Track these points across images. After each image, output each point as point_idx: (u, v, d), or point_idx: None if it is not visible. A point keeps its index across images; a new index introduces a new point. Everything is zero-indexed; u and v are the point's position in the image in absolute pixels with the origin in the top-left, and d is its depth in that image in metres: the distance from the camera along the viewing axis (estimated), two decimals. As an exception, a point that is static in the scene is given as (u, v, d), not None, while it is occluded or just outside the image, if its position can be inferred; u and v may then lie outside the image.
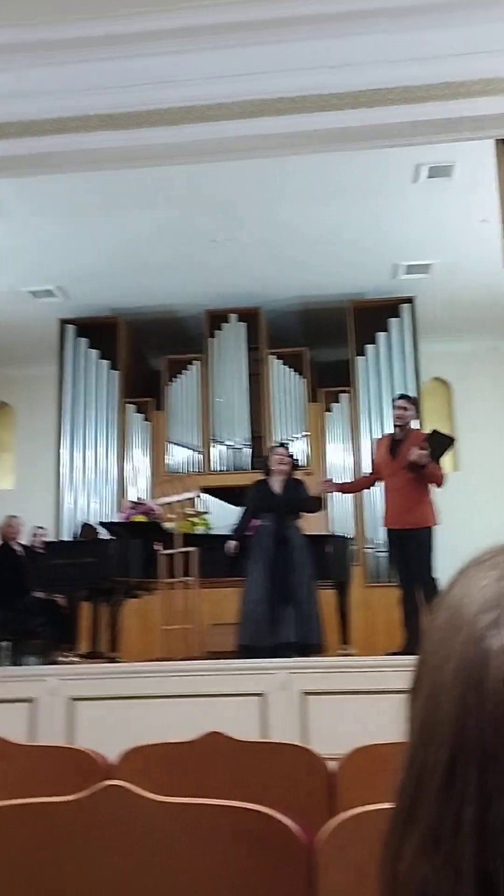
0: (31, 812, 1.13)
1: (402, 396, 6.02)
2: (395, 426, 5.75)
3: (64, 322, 9.21)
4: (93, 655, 6.21)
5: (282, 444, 6.14)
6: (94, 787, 1.14)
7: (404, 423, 5.67)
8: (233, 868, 1.05)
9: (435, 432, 5.69)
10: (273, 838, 1.03)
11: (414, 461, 5.35)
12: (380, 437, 5.90)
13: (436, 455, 5.49)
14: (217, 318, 9.17)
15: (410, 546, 5.53)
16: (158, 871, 1.07)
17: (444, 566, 8.58)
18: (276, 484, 5.67)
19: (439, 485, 5.56)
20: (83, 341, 9.25)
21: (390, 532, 5.69)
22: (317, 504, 5.79)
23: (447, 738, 0.50)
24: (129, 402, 9.25)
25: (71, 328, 9.25)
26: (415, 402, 5.91)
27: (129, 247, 7.75)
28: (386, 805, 1.12)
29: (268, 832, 1.03)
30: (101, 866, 1.09)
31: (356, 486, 6.72)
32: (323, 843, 1.04)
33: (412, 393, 8.76)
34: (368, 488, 6.62)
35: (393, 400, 6.13)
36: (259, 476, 5.94)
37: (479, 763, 0.48)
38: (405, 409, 5.69)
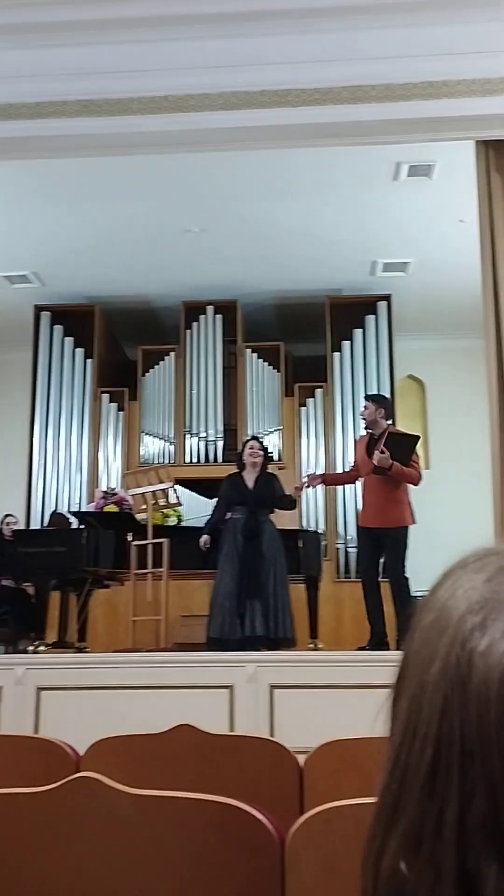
0: (1, 802, 1.13)
1: (369, 397, 6.07)
2: (365, 428, 5.80)
3: (39, 309, 9.13)
4: (60, 645, 6.19)
5: (255, 438, 6.13)
6: (65, 778, 1.14)
7: (371, 422, 5.70)
8: (204, 861, 1.05)
9: (392, 434, 5.71)
10: (245, 832, 1.04)
11: (377, 464, 5.39)
12: (362, 434, 5.92)
13: (399, 456, 5.49)
14: (194, 310, 9.15)
15: (384, 545, 5.57)
16: (129, 863, 1.07)
17: (413, 562, 8.67)
18: (249, 478, 5.68)
19: (415, 483, 5.59)
20: (58, 328, 9.18)
21: (365, 530, 5.72)
22: (290, 502, 5.80)
23: (430, 738, 0.50)
24: (104, 392, 9.20)
25: (46, 315, 9.18)
26: (383, 401, 5.95)
27: (106, 234, 7.70)
28: (354, 801, 1.13)
29: (240, 826, 1.04)
30: (72, 858, 1.09)
31: (339, 479, 6.74)
32: (293, 837, 1.05)
33: (386, 390, 8.83)
34: (350, 483, 6.66)
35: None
36: (232, 469, 5.95)
37: (461, 763, 0.49)
38: (366, 408, 5.74)
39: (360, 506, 8.59)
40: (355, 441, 6.39)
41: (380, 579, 5.67)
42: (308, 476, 6.24)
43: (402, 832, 0.51)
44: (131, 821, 1.08)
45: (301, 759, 1.94)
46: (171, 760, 1.85)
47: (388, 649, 5.20)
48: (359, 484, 6.32)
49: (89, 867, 1.08)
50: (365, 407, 5.80)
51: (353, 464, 6.01)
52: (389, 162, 6.61)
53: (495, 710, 0.48)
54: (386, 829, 0.52)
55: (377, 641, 5.40)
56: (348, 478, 6.29)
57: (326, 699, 4.34)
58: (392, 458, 5.44)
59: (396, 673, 0.56)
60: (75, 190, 6.97)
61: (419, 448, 5.89)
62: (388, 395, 8.85)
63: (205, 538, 5.68)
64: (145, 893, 1.06)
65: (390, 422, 5.97)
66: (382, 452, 5.45)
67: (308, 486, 6.13)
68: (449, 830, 0.49)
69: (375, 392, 8.06)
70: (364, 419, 5.79)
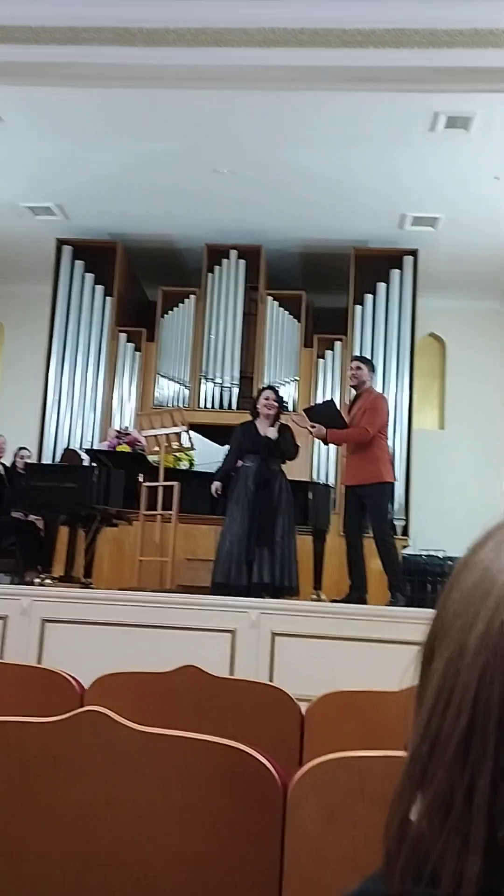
0: (8, 731, 1.14)
1: (356, 358, 6.21)
2: (351, 386, 5.81)
3: (61, 242, 9.03)
4: (66, 580, 6.26)
5: (271, 387, 6.09)
6: (69, 710, 1.15)
7: (358, 383, 5.79)
8: (207, 802, 1.06)
9: (309, 408, 6.01)
10: (250, 777, 1.04)
11: (316, 438, 5.61)
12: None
13: (332, 422, 5.69)
14: (217, 254, 9.03)
15: (366, 502, 5.61)
16: (133, 799, 1.08)
17: (425, 522, 8.67)
18: (263, 427, 5.66)
19: (364, 439, 5.62)
20: (79, 264, 9.09)
21: (349, 489, 5.82)
22: (296, 451, 5.80)
23: (467, 705, 0.49)
24: (122, 331, 9.14)
25: (68, 249, 9.08)
26: (369, 363, 6.08)
27: (132, 171, 7.56)
28: (359, 753, 1.13)
29: (245, 770, 1.04)
30: (76, 790, 1.10)
31: (337, 438, 6.67)
32: (297, 784, 1.05)
33: (406, 347, 8.75)
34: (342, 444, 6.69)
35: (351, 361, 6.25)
36: (246, 417, 5.93)
37: (498, 733, 0.48)
38: (359, 368, 5.82)
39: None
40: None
41: (364, 535, 5.76)
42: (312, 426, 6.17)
43: (431, 797, 0.50)
44: (138, 758, 1.08)
45: (302, 707, 1.96)
46: (176, 700, 1.87)
47: (364, 604, 5.36)
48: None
49: (93, 801, 1.09)
50: (359, 367, 5.85)
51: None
52: (427, 112, 6.42)
53: None
54: (414, 792, 0.51)
55: (356, 596, 5.50)
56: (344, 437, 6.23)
57: (326, 649, 4.38)
58: (326, 426, 5.63)
59: (429, 632, 0.55)
60: (104, 122, 6.83)
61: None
62: (409, 352, 8.79)
63: (216, 484, 5.68)
64: (147, 830, 1.07)
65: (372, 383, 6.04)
66: (312, 428, 5.64)
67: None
68: (480, 800, 0.48)
69: (372, 351, 8.14)
70: (355, 378, 5.84)
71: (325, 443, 5.64)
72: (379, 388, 8.70)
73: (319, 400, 8.83)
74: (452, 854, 0.48)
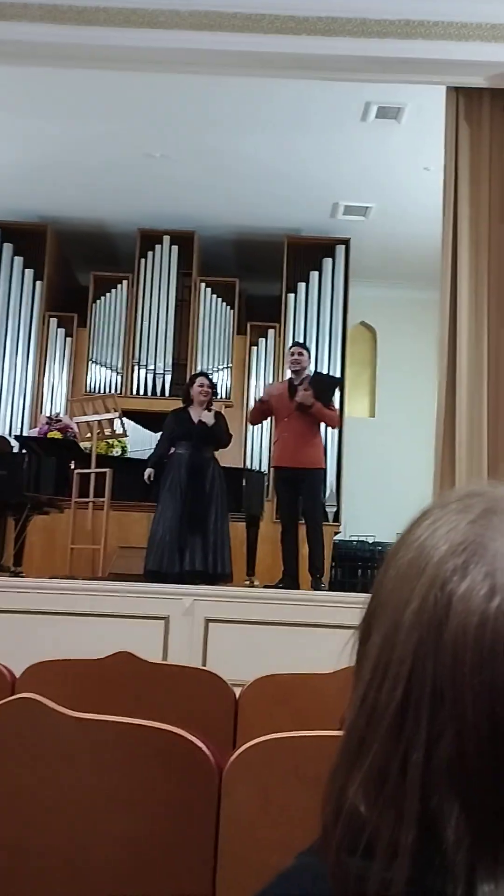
0: None
1: (297, 344, 6.24)
2: (292, 371, 5.89)
3: (-11, 224, 8.81)
4: (-4, 569, 6.15)
5: (203, 374, 6.08)
6: (4, 699, 1.14)
7: (300, 368, 5.83)
8: (142, 786, 1.06)
9: (317, 374, 5.95)
10: (186, 760, 1.05)
11: (300, 402, 5.50)
12: (279, 381, 6.11)
13: (322, 396, 5.67)
14: (150, 239, 8.94)
15: (302, 487, 5.69)
16: (68, 785, 1.08)
17: (357, 507, 8.81)
18: (196, 414, 5.65)
19: (334, 425, 5.71)
20: (8, 247, 8.89)
21: (281, 471, 5.82)
22: (229, 439, 5.80)
23: (402, 678, 0.50)
24: (52, 316, 8.99)
25: (-4, 231, 8.87)
26: (308, 350, 6.14)
27: (64, 152, 7.42)
28: (292, 734, 1.15)
29: (181, 753, 1.05)
30: (10, 777, 1.09)
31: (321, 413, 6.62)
32: (231, 766, 1.06)
33: (338, 336, 8.84)
34: (257, 423, 6.75)
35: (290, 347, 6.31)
36: (178, 404, 5.91)
37: (431, 705, 0.49)
38: (301, 354, 5.86)
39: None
40: (272, 384, 6.52)
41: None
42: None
43: (366, 770, 0.51)
44: (71, 743, 1.08)
45: (235, 691, 1.98)
46: (109, 686, 1.87)
47: (297, 589, 5.43)
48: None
49: (27, 786, 1.08)
50: (300, 353, 5.89)
51: (260, 401, 6.02)
52: (359, 101, 6.48)
53: (471, 655, 0.48)
54: (350, 766, 0.52)
55: (289, 581, 5.56)
56: (258, 416, 6.23)
57: (259, 634, 4.42)
58: (314, 397, 5.60)
59: (367, 610, 0.56)
60: (34, 102, 6.68)
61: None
62: (340, 340, 8.88)
63: (149, 471, 5.65)
64: (82, 814, 1.07)
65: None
66: (306, 390, 5.59)
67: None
68: (414, 771, 0.49)
69: (305, 339, 8.29)
70: (297, 363, 5.85)
71: (307, 409, 5.58)
72: (311, 376, 8.78)
73: (253, 388, 8.86)
74: (387, 825, 0.49)
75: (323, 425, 5.90)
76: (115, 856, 1.05)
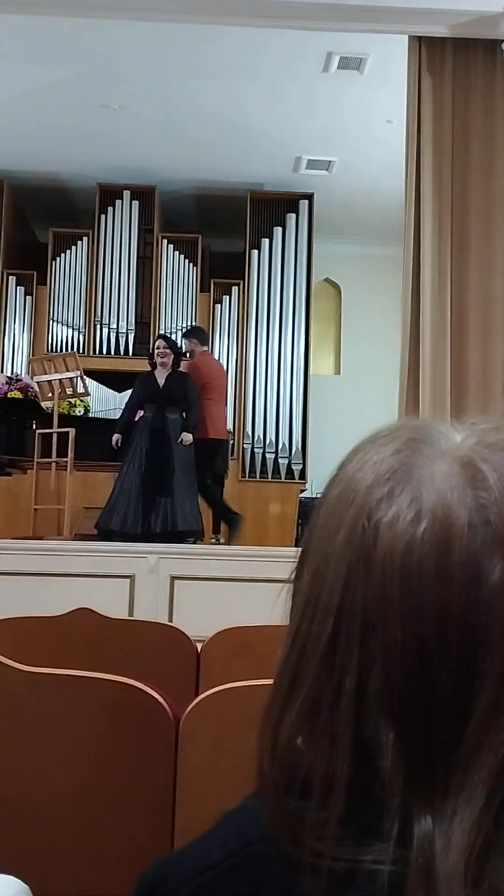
0: None
1: (161, 337, 6.37)
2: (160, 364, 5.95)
3: None
4: (-41, 531, 6.09)
5: (161, 336, 6.07)
6: (-43, 656, 1.12)
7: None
8: (100, 738, 1.06)
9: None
10: (141, 711, 1.05)
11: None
12: None
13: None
14: (109, 194, 8.77)
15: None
16: (24, 740, 1.07)
17: (328, 466, 8.84)
18: (161, 376, 5.66)
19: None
20: (-37, 202, 8.66)
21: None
22: (194, 399, 5.81)
23: (332, 609, 0.50)
24: (11, 274, 8.80)
25: None
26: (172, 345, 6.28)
27: (18, 103, 7.19)
28: (246, 683, 1.15)
29: (136, 705, 1.05)
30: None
31: None
32: (188, 716, 1.06)
33: (302, 292, 8.80)
34: None
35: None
36: (141, 363, 5.89)
37: (362, 633, 0.49)
38: (166, 348, 5.97)
39: (268, 410, 8.71)
40: None
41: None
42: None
43: (299, 703, 0.51)
44: (26, 698, 1.07)
45: (199, 646, 1.98)
46: (69, 642, 1.86)
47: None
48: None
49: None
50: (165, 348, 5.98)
51: None
52: (320, 51, 6.35)
53: (399, 580, 0.48)
54: (284, 702, 0.52)
55: (234, 524, 6.06)
56: None
57: (225, 591, 4.44)
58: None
59: (303, 547, 0.56)
60: (-14, 50, 6.45)
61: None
62: (304, 297, 8.83)
63: (116, 437, 5.66)
64: (38, 767, 1.06)
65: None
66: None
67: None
68: (346, 700, 0.49)
69: (269, 296, 8.36)
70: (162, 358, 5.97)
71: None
72: (275, 334, 8.76)
73: (217, 345, 8.81)
74: (322, 757, 0.49)
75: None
76: (72, 805, 1.05)
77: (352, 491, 0.52)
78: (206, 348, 6.56)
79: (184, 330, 7.24)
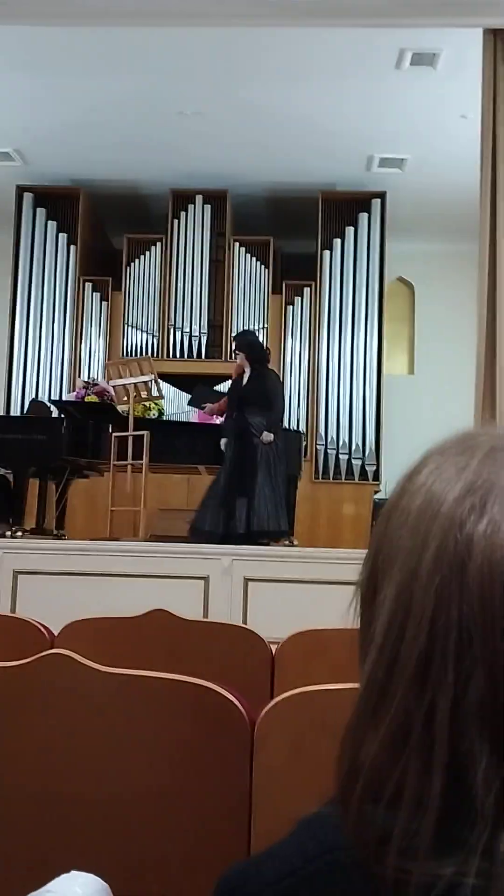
0: (-27, 676, 1.13)
1: (233, 338, 6.68)
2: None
3: (21, 189, 8.80)
4: (38, 532, 6.24)
5: (233, 337, 6.19)
6: (37, 654, 1.14)
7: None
8: (175, 740, 1.07)
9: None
10: (217, 713, 1.05)
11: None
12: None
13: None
14: (182, 199, 8.86)
15: None
16: (100, 739, 1.09)
17: (402, 467, 8.76)
18: (245, 377, 5.77)
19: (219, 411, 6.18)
20: (41, 211, 8.88)
21: None
22: (269, 399, 5.84)
23: (424, 626, 0.49)
24: (87, 280, 8.98)
25: (29, 196, 8.85)
26: (237, 339, 6.42)
27: (95, 112, 7.34)
28: (324, 687, 1.14)
29: (212, 707, 1.05)
30: (42, 732, 1.10)
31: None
32: (263, 719, 1.06)
33: (375, 292, 8.72)
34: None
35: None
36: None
37: (458, 649, 0.48)
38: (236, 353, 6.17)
39: (341, 411, 8.67)
40: None
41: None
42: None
43: (389, 720, 0.50)
44: (103, 698, 1.09)
45: (273, 648, 1.98)
46: (145, 643, 1.88)
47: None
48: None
49: (59, 739, 1.10)
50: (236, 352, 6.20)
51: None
52: (393, 48, 6.29)
53: (501, 591, 0.47)
54: (370, 719, 0.51)
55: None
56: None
57: (299, 593, 4.43)
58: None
59: (369, 567, 0.55)
60: (64, 62, 6.60)
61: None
62: (377, 297, 8.75)
63: (223, 440, 5.80)
64: (114, 767, 1.08)
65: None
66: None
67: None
68: (442, 716, 0.48)
69: (341, 296, 8.47)
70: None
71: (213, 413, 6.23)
72: (347, 335, 8.71)
73: (290, 348, 8.81)
74: (413, 775, 0.49)
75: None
76: (147, 807, 1.06)
77: (435, 503, 0.51)
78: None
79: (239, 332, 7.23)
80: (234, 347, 6.44)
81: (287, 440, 6.31)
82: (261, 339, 8.73)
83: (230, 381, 6.01)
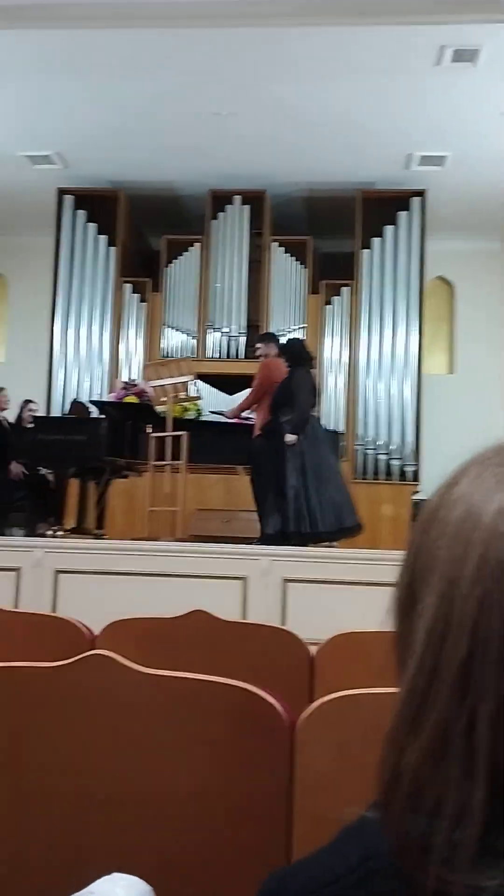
0: (16, 676, 1.14)
1: (255, 339, 6.60)
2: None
3: (62, 192, 8.90)
4: (78, 531, 6.30)
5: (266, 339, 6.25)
6: (78, 655, 1.15)
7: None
8: (214, 742, 1.06)
9: None
10: (257, 716, 1.05)
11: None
12: None
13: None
14: (220, 200, 8.88)
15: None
16: (140, 740, 1.09)
17: (442, 467, 8.69)
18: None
19: (247, 406, 6.09)
20: (81, 213, 8.97)
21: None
22: (295, 398, 5.86)
23: (465, 634, 0.49)
24: (126, 281, 9.05)
25: (69, 199, 8.95)
26: (267, 337, 6.35)
27: (133, 114, 7.39)
28: (366, 690, 1.13)
29: (252, 709, 1.05)
30: (83, 732, 1.11)
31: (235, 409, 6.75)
32: (304, 722, 1.06)
33: (414, 291, 8.65)
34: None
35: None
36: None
37: (499, 657, 0.48)
38: (257, 348, 6.17)
39: (380, 410, 8.61)
40: None
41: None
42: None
43: (428, 729, 0.50)
44: (143, 699, 1.09)
45: (312, 650, 1.97)
46: (184, 644, 1.89)
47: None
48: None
49: (99, 743, 1.10)
50: (257, 348, 6.18)
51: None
52: (432, 45, 6.23)
53: None
54: (410, 727, 0.51)
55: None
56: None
57: (338, 594, 4.41)
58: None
59: (406, 575, 0.55)
60: (102, 65, 6.66)
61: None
62: (417, 296, 8.67)
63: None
64: (154, 768, 1.08)
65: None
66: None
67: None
68: (483, 725, 0.48)
69: (382, 296, 8.44)
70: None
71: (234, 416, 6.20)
72: (386, 334, 8.65)
73: (328, 346, 8.78)
74: (454, 784, 0.48)
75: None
76: (187, 809, 1.06)
77: (475, 513, 0.51)
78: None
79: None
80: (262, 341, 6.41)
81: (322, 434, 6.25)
82: (299, 337, 8.74)
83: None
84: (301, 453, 5.60)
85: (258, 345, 6.21)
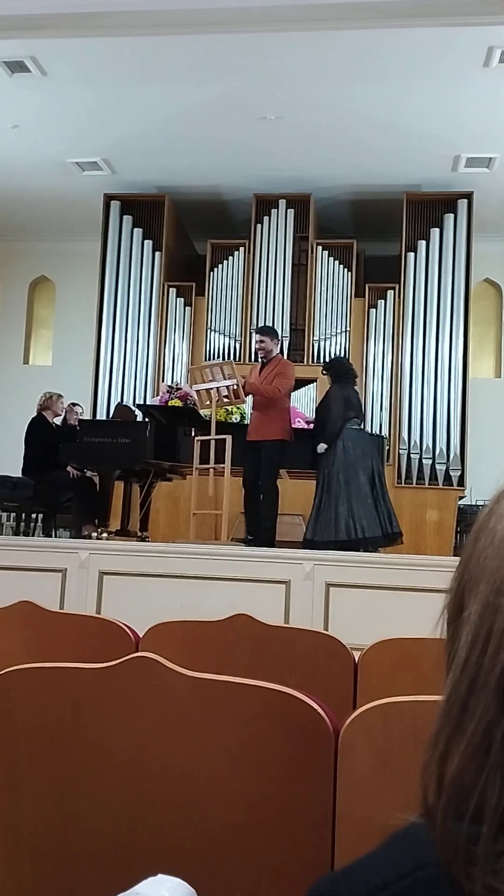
0: (63, 677, 1.16)
1: (257, 331, 6.38)
2: (261, 358, 6.05)
3: (109, 197, 9.00)
4: (123, 534, 6.36)
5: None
6: (124, 657, 1.16)
7: (265, 353, 6.02)
8: (257, 746, 1.07)
9: None
10: (300, 721, 1.05)
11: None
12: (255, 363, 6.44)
13: None
14: (265, 204, 8.90)
15: (261, 456, 5.79)
16: (183, 743, 1.09)
17: (489, 472, 8.59)
18: None
19: (272, 397, 5.84)
20: (127, 219, 9.06)
21: (249, 443, 5.90)
22: (322, 413, 5.95)
23: None
24: (171, 286, 9.11)
25: (115, 204, 9.05)
26: (271, 332, 6.20)
27: (178, 121, 7.45)
28: (411, 697, 1.12)
29: (295, 714, 1.05)
30: (127, 735, 1.12)
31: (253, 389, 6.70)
32: (348, 728, 1.05)
33: (461, 294, 8.56)
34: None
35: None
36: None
37: None
38: (262, 341, 6.05)
39: (425, 414, 8.52)
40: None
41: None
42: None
43: (469, 735, 0.50)
44: (187, 703, 1.09)
45: (355, 655, 1.96)
46: (228, 647, 1.89)
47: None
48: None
49: (144, 745, 1.11)
50: (262, 340, 6.06)
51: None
52: (481, 46, 6.17)
53: None
54: (452, 734, 0.51)
55: (259, 539, 5.65)
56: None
57: (380, 599, 4.38)
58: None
59: (457, 582, 0.55)
60: (148, 72, 6.72)
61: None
62: (464, 299, 8.58)
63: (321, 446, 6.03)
64: (198, 772, 1.08)
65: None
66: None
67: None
68: None
69: (426, 299, 8.40)
70: (262, 350, 6.02)
71: (244, 392, 5.91)
72: (432, 337, 8.57)
73: (373, 350, 8.73)
74: (493, 790, 0.48)
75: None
76: (230, 814, 1.06)
77: None
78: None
79: (258, 329, 6.92)
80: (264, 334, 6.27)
81: (362, 443, 6.25)
82: (342, 342, 8.71)
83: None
84: (330, 465, 5.75)
85: (263, 338, 6.11)
